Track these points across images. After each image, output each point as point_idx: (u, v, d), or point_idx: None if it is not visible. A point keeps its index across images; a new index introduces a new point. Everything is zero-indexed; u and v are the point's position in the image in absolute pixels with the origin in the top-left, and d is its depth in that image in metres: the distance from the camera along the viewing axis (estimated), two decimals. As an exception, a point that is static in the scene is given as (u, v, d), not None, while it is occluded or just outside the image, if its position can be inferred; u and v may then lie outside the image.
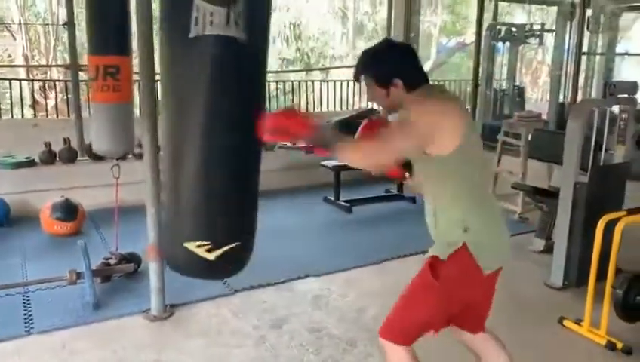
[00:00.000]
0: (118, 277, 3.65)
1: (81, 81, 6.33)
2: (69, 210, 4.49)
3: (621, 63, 8.47)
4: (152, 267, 3.13)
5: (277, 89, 9.17)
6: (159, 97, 1.82)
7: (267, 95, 8.83)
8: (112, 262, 3.62)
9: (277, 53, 12.15)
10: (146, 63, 2.92)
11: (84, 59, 4.94)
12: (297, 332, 3.03)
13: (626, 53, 8.09)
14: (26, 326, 3.02)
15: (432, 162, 1.79)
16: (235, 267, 1.99)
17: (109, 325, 3.08)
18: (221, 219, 1.83)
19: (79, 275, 3.24)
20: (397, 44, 2.02)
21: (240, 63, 1.76)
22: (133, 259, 3.70)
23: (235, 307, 3.32)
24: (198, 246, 1.74)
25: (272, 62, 12.28)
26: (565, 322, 3.12)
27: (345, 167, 5.49)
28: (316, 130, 1.76)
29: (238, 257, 1.91)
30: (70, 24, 5.94)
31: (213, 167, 1.80)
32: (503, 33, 6.93)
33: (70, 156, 5.28)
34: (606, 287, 2.90)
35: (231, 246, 1.79)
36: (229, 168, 1.85)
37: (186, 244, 1.77)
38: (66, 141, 5.30)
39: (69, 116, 7.61)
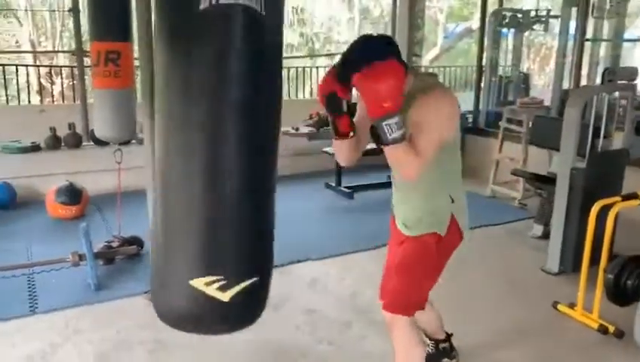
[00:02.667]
0: (121, 260, 3.72)
1: (87, 66, 6.39)
2: (73, 194, 4.57)
3: (632, 50, 8.41)
4: (153, 249, 3.19)
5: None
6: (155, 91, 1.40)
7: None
8: (114, 244, 3.69)
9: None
10: (145, 47, 2.96)
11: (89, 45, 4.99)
12: (293, 314, 3.09)
13: (633, 40, 8.02)
14: (30, 306, 3.11)
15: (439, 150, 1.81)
16: (253, 312, 1.45)
17: (110, 306, 3.16)
18: (237, 246, 1.36)
19: (81, 257, 3.31)
20: (382, 35, 1.96)
21: (262, 39, 1.36)
22: (135, 241, 3.78)
23: (234, 289, 3.38)
24: (208, 283, 1.30)
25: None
26: (559, 306, 3.15)
27: (346, 153, 5.52)
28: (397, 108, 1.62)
29: (257, 297, 1.42)
30: (75, 10, 5.99)
31: (224, 178, 1.32)
32: (508, 19, 6.89)
33: (75, 141, 5.35)
34: (599, 272, 2.94)
35: (250, 281, 1.35)
36: (245, 176, 1.35)
37: (192, 282, 1.31)
38: (71, 126, 5.37)
39: (74, 102, 7.71)
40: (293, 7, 11.55)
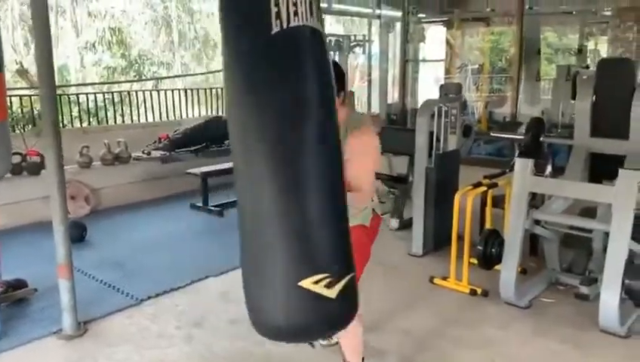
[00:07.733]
0: (6, 306, 3.41)
1: None
2: None
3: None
4: (63, 285, 3.06)
5: (105, 100, 8.72)
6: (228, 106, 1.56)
7: (95, 108, 8.45)
8: (-2, 290, 3.38)
9: (99, 63, 11.54)
10: (46, 74, 2.87)
11: None
12: (220, 326, 3.24)
13: (431, 60, 9.62)
14: None
15: None
16: (352, 303, 1.54)
17: (21, 352, 2.94)
18: (332, 244, 1.47)
19: (-26, 306, 3.01)
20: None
21: (323, 53, 1.57)
22: (21, 284, 3.50)
23: (150, 314, 3.39)
24: (316, 281, 1.38)
25: (98, 72, 11.55)
26: (435, 280, 3.83)
27: (212, 173, 5.67)
28: None
29: (354, 290, 1.51)
30: None
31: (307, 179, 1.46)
32: (332, 43, 7.71)
33: None
34: (464, 247, 3.67)
35: (349, 276, 1.45)
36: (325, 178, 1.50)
37: (301, 283, 1.39)
38: None
39: None
40: (110, 28, 11.09)
